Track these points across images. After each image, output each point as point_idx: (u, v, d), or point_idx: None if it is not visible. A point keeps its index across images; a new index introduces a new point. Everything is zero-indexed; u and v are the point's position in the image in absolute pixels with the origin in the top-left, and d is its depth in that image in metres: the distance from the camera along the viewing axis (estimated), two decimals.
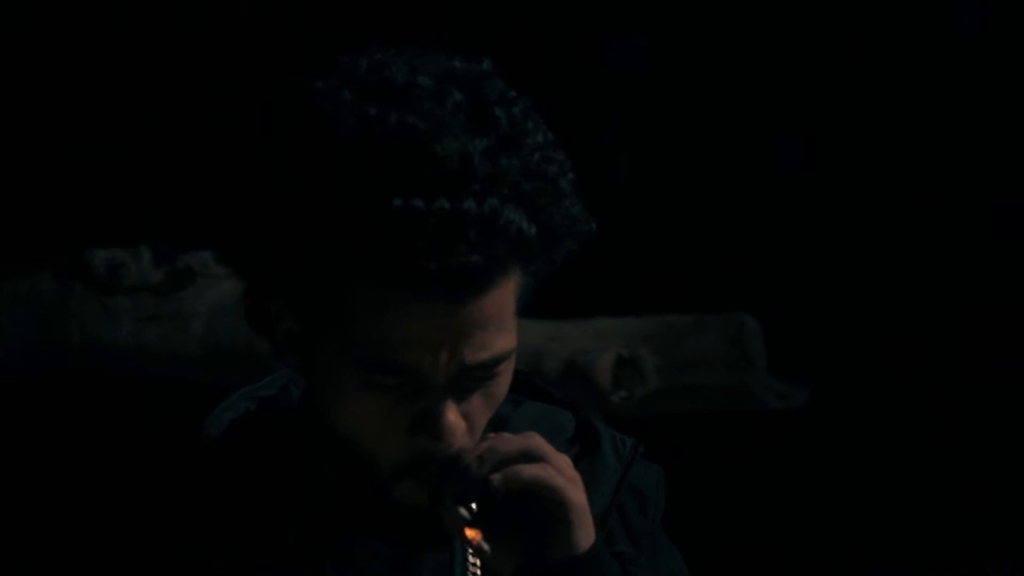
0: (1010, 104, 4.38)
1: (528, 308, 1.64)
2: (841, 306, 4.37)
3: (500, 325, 1.57)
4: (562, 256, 1.60)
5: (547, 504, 1.57)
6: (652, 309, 4.01)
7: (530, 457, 1.57)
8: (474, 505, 1.56)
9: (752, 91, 4.42)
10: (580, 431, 1.72)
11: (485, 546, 1.54)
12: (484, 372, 1.58)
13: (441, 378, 1.57)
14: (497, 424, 1.67)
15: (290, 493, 1.65)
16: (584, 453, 1.70)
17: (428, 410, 1.57)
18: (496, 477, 1.55)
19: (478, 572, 1.65)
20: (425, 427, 1.57)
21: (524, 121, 1.56)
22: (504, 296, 1.56)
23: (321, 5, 4.33)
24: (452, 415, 1.57)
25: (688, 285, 4.22)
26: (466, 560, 1.65)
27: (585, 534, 1.58)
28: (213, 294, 4.22)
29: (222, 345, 4.20)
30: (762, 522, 4.06)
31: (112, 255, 4.22)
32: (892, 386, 4.27)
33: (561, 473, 1.57)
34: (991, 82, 4.39)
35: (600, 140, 4.32)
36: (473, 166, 1.52)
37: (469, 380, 1.58)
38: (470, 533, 1.54)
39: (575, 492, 1.57)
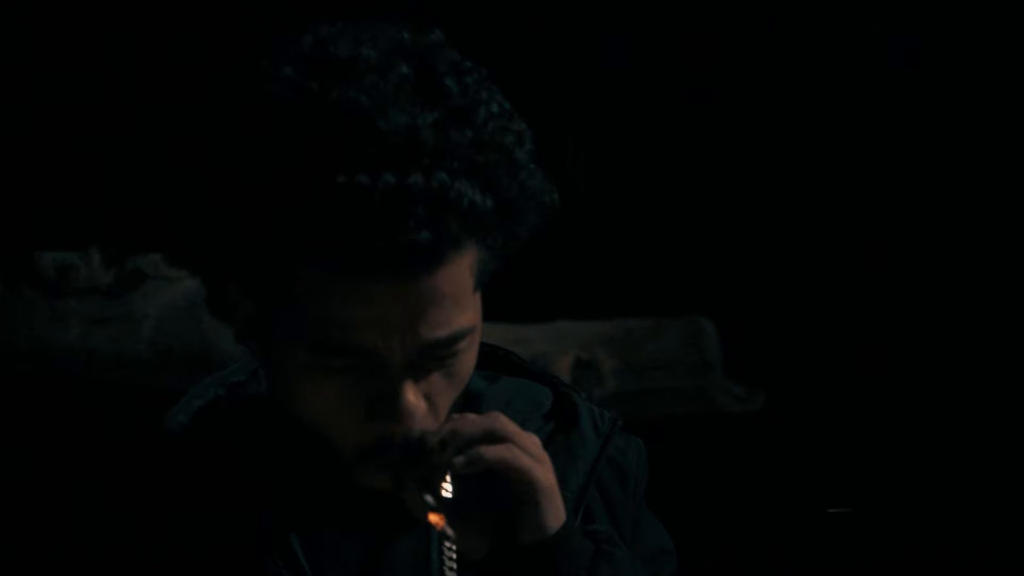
0: (947, 112, 4.40)
1: (486, 311, 1.60)
2: (795, 309, 4.36)
3: (457, 302, 1.52)
4: (526, 230, 1.55)
5: (514, 486, 1.52)
6: (609, 312, 3.98)
7: (494, 438, 1.53)
8: (443, 489, 1.52)
9: (711, 93, 4.40)
10: (557, 406, 1.68)
11: (449, 531, 1.50)
12: (443, 351, 1.53)
13: (397, 358, 1.52)
14: (472, 400, 1.63)
15: (260, 480, 1.61)
16: (561, 428, 1.67)
17: (385, 392, 1.53)
18: (459, 460, 1.51)
19: (453, 556, 1.61)
20: (383, 409, 1.53)
21: (477, 92, 1.52)
22: (459, 272, 1.52)
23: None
24: (411, 396, 1.53)
25: (644, 288, 4.19)
26: (441, 544, 1.61)
27: (554, 515, 1.55)
28: (163, 296, 4.18)
29: (173, 347, 4.16)
30: (719, 525, 4.03)
31: (61, 257, 4.18)
32: (848, 389, 4.26)
33: (527, 453, 1.53)
34: (928, 89, 4.41)
35: (560, 142, 4.29)
36: (420, 140, 1.47)
37: (428, 359, 1.53)
38: (434, 518, 1.50)
39: (542, 472, 1.54)
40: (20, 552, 1.62)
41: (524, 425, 1.63)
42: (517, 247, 1.57)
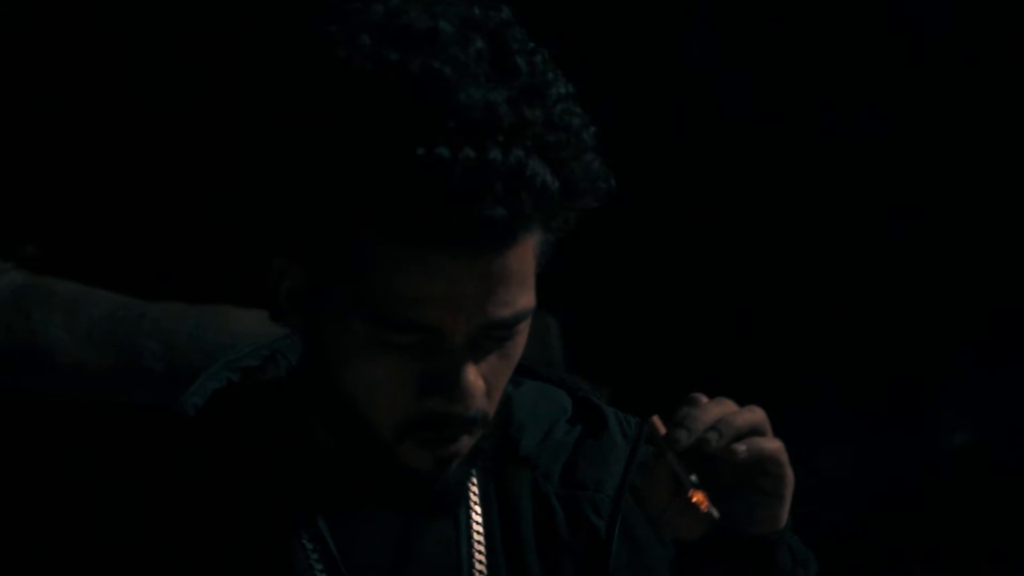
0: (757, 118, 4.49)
1: None
2: (638, 306, 4.40)
3: (522, 282, 1.51)
4: (579, 215, 1.54)
5: (767, 479, 1.53)
6: None
7: (760, 431, 1.53)
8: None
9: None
10: (580, 410, 1.69)
11: (715, 512, 1.50)
12: (504, 331, 1.52)
13: (460, 337, 1.50)
14: (501, 402, 1.60)
15: (284, 464, 1.58)
16: (591, 432, 1.67)
17: (446, 370, 1.50)
18: (740, 448, 1.50)
19: (482, 541, 1.61)
20: (442, 388, 1.51)
21: (544, 72, 1.50)
22: (526, 252, 1.50)
23: None
24: (471, 376, 1.51)
25: None
26: (470, 529, 1.61)
27: (785, 513, 1.55)
28: None
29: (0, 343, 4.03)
30: None
31: None
32: (689, 383, 4.31)
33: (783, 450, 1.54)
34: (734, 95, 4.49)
35: None
36: (498, 115, 1.45)
37: (487, 340, 1.52)
38: (698, 497, 1.50)
39: (790, 470, 1.54)
40: (46, 539, 1.57)
41: (553, 429, 1.66)
42: (570, 231, 1.55)
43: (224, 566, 1.55)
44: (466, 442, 1.54)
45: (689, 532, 1.52)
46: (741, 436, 1.51)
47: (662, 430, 1.51)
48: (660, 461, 1.50)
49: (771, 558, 1.54)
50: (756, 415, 1.53)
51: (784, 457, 1.53)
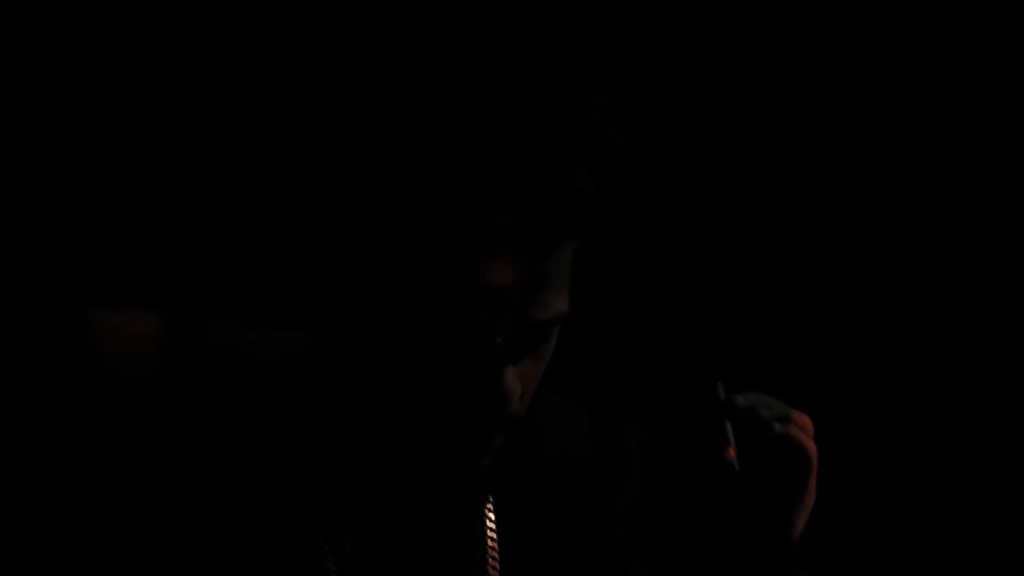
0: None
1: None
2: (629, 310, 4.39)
3: (560, 286, 1.52)
4: (610, 221, 1.55)
5: (795, 485, 1.61)
6: None
7: (803, 429, 1.62)
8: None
9: None
10: (596, 423, 1.71)
11: (736, 465, 1.59)
12: (540, 333, 1.53)
13: (501, 338, 1.51)
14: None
15: (303, 468, 1.59)
16: (608, 446, 1.70)
17: (486, 371, 1.51)
18: (778, 425, 1.61)
19: (496, 548, 1.62)
20: (480, 388, 1.52)
21: (580, 81, 1.53)
22: (566, 257, 1.52)
23: None
24: (510, 377, 1.52)
25: None
26: (485, 535, 1.62)
27: (799, 527, 1.62)
28: None
29: None
30: None
31: None
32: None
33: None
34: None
35: None
36: (542, 121, 1.48)
37: (524, 342, 1.53)
38: (732, 452, 1.61)
39: (815, 485, 1.63)
40: (64, 545, 1.59)
41: (571, 439, 1.70)
42: (602, 237, 1.57)
43: (243, 568, 1.56)
44: (497, 443, 1.55)
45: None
46: (786, 421, 1.61)
47: (723, 396, 1.62)
48: (710, 425, 1.61)
49: (781, 567, 1.61)
50: (807, 419, 1.62)
51: (814, 461, 1.61)
